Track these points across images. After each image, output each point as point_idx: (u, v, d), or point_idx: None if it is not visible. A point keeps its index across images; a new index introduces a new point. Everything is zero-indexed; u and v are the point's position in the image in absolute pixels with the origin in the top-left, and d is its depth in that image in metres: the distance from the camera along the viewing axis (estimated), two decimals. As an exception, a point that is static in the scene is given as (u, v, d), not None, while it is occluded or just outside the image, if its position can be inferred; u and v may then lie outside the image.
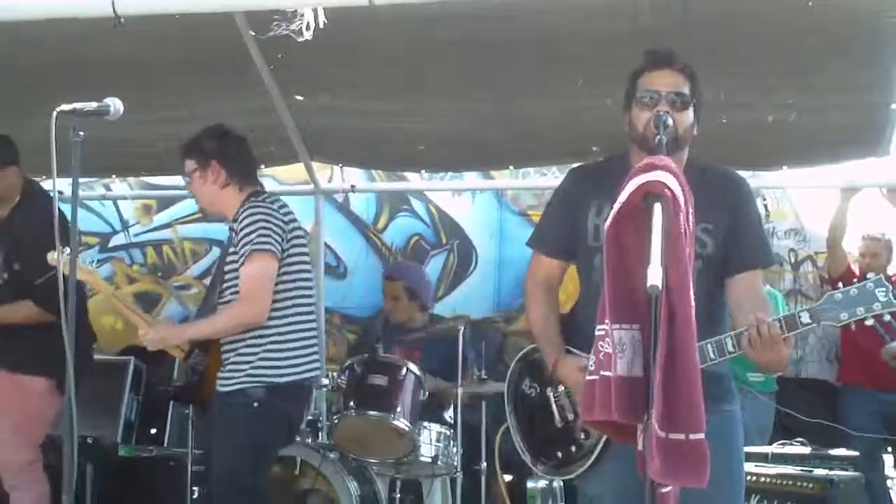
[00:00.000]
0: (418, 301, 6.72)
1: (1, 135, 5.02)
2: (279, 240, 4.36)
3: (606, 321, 2.70)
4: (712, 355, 3.14)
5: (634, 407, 2.64)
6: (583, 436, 3.42)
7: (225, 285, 4.46)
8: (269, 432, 4.43)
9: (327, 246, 8.07)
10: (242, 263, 4.29)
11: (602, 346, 2.72)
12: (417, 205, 8.69)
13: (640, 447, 2.71)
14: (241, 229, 4.32)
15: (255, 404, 4.30)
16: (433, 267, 8.41)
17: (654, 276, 2.41)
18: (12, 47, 5.07)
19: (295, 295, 4.44)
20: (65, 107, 3.18)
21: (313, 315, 4.59)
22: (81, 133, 3.16)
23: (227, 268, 4.43)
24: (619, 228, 2.69)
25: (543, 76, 5.57)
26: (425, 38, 5.15)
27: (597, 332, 2.76)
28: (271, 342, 4.35)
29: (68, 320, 3.09)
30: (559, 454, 3.51)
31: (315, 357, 4.52)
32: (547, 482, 5.99)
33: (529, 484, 6.03)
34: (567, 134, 6.34)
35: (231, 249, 4.42)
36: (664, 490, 2.59)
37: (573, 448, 3.46)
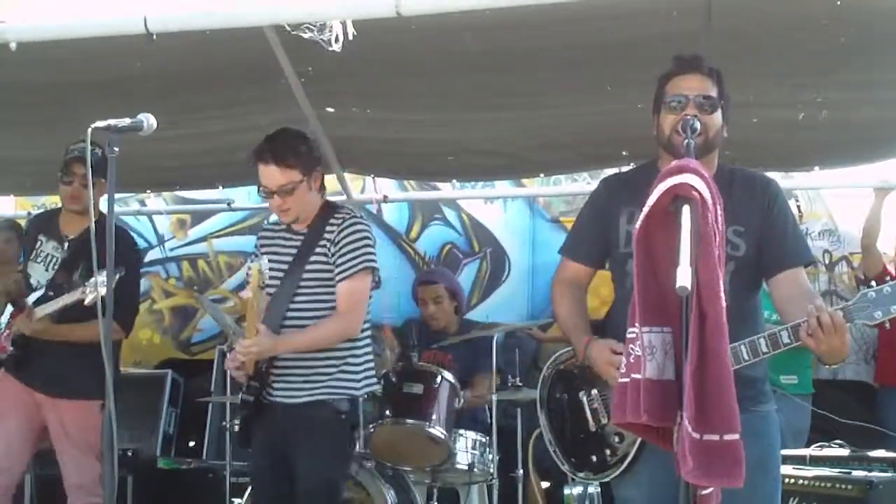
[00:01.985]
0: (457, 303, 6.76)
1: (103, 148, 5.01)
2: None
3: (636, 324, 2.71)
4: (746, 356, 3.14)
5: (666, 409, 2.65)
6: (616, 439, 3.43)
7: (303, 292, 4.36)
8: (352, 443, 4.52)
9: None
10: (347, 277, 4.27)
11: (632, 349, 2.73)
12: (450, 213, 8.71)
13: (675, 449, 2.71)
14: (348, 243, 4.30)
15: (343, 416, 4.31)
16: (466, 275, 8.43)
17: (684, 277, 2.42)
18: (47, 66, 5.13)
19: (369, 309, 4.48)
20: (99, 123, 3.23)
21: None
22: (116, 149, 3.20)
23: (308, 276, 4.34)
24: (648, 231, 2.71)
25: (572, 82, 5.56)
26: (454, 48, 5.16)
27: (627, 336, 2.78)
28: (351, 355, 4.37)
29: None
30: (594, 458, 3.52)
31: (374, 369, 4.55)
32: (583, 488, 5.99)
33: (566, 490, 6.03)
34: (597, 139, 6.34)
35: (320, 259, 4.35)
36: (705, 492, 2.59)
37: (608, 452, 3.47)
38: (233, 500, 5.87)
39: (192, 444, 8.25)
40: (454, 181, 7.84)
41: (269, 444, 4.39)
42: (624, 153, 6.59)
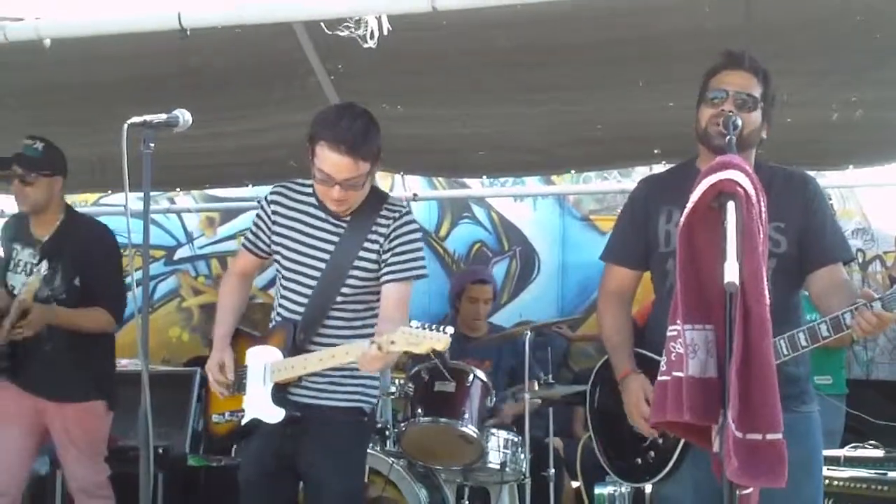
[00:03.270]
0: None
1: (52, 144, 5.00)
2: None
3: (678, 322, 2.68)
4: (785, 351, 3.12)
5: (708, 408, 2.63)
6: (661, 440, 3.40)
7: (348, 290, 3.93)
8: (367, 446, 4.37)
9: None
10: (398, 280, 3.86)
11: (673, 347, 2.71)
12: (479, 211, 8.70)
13: (715, 448, 2.69)
14: (405, 243, 3.90)
15: (365, 419, 4.09)
16: (496, 273, 8.41)
17: (731, 272, 2.40)
18: (79, 65, 5.14)
19: None
20: (135, 119, 3.21)
21: None
22: (152, 145, 3.19)
23: (356, 272, 3.91)
24: (691, 228, 2.68)
25: (604, 78, 5.53)
26: (485, 43, 5.13)
27: (668, 333, 2.75)
28: None
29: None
30: (638, 460, 3.49)
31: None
32: (615, 488, 5.95)
33: (597, 490, 6.00)
34: (629, 137, 6.31)
35: (370, 256, 3.90)
36: (745, 492, 2.56)
37: (652, 453, 3.43)
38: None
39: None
40: (484, 179, 7.83)
41: (274, 448, 3.97)
42: (656, 151, 6.56)
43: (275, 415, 3.88)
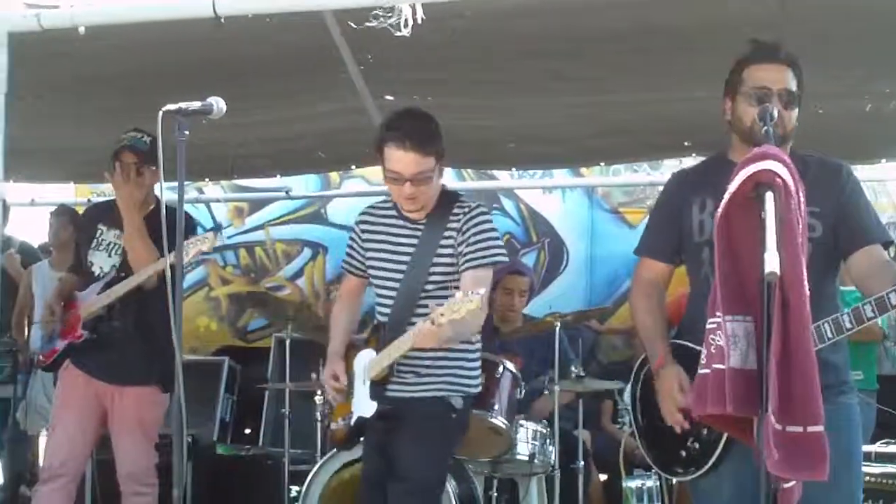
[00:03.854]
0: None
1: (152, 136, 5.00)
2: None
3: (718, 313, 2.67)
4: (829, 334, 3.09)
5: (749, 400, 2.61)
6: (705, 431, 3.35)
7: (431, 288, 4.12)
8: (460, 443, 4.39)
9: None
10: (474, 268, 4.02)
11: (713, 339, 2.69)
12: (508, 203, 8.69)
13: (755, 441, 2.67)
14: (477, 232, 4.06)
15: (454, 414, 4.15)
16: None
17: (772, 262, 2.38)
18: (112, 55, 5.15)
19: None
20: (170, 106, 3.22)
21: None
22: (186, 132, 3.20)
23: (436, 269, 4.09)
24: (729, 219, 2.67)
25: (634, 69, 5.50)
26: (516, 33, 5.12)
27: (708, 326, 2.74)
28: (469, 352, 4.23)
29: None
30: (682, 453, 3.44)
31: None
32: (642, 481, 5.95)
33: (625, 483, 5.99)
34: (658, 128, 6.29)
35: (447, 252, 4.10)
36: (787, 485, 2.54)
37: (697, 444, 3.38)
38: (291, 486, 5.87)
39: (247, 431, 8.29)
40: (512, 171, 7.81)
41: (383, 442, 4.20)
42: (686, 143, 6.54)
43: (370, 409, 4.11)
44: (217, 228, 9.39)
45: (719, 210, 2.69)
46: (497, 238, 4.13)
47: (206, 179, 8.40)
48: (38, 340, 5.39)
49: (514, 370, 5.34)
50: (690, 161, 7.29)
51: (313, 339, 6.16)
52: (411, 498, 4.09)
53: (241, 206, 9.39)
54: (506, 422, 5.19)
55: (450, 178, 8.19)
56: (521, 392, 5.35)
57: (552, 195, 8.50)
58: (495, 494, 5.55)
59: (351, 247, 4.39)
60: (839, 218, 3.35)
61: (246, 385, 8.44)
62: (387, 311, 4.21)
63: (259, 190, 9.01)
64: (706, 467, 3.33)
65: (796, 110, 3.34)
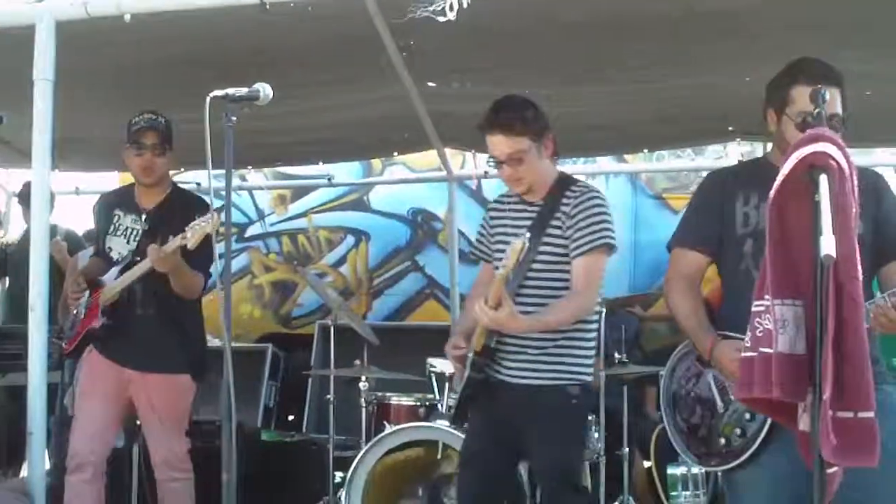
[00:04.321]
0: None
1: (166, 118, 5.05)
2: None
3: (767, 296, 2.63)
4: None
5: (797, 384, 2.58)
6: (748, 416, 3.32)
7: (538, 267, 4.13)
8: (586, 427, 4.40)
9: (460, 232, 8.09)
10: (584, 253, 4.04)
11: (760, 323, 2.66)
12: (550, 190, 8.64)
13: (801, 427, 2.64)
14: (585, 217, 4.06)
15: (574, 401, 4.14)
16: (567, 252, 8.35)
17: (828, 245, 2.34)
18: (157, 45, 5.18)
19: (602, 288, 4.29)
20: (217, 92, 3.23)
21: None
22: (234, 118, 3.20)
23: (544, 249, 4.10)
24: (781, 202, 2.63)
25: (677, 54, 5.46)
26: (558, 19, 5.09)
27: (754, 309, 2.70)
28: (582, 338, 4.19)
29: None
30: (721, 441, 3.41)
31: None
32: (687, 468, 5.92)
33: (670, 470, 5.96)
34: (703, 114, 6.25)
35: (555, 233, 4.11)
36: (830, 471, 2.52)
37: (738, 431, 3.35)
38: (335, 472, 5.89)
39: (291, 417, 8.33)
40: (556, 157, 7.76)
41: (493, 423, 4.23)
42: (730, 128, 6.50)
43: (464, 378, 4.19)
44: (260, 216, 9.45)
45: (771, 193, 2.65)
46: (608, 222, 4.10)
47: (249, 167, 8.43)
48: (67, 326, 5.38)
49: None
50: (734, 146, 7.26)
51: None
52: (558, 485, 4.17)
53: (283, 193, 9.43)
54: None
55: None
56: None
57: (595, 181, 8.43)
58: (540, 481, 5.54)
59: (480, 233, 4.48)
60: (878, 222, 3.34)
61: (289, 372, 8.49)
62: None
63: (301, 177, 9.04)
64: (744, 458, 3.29)
65: (841, 132, 3.26)
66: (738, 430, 3.35)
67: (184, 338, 5.02)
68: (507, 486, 4.46)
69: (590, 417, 5.37)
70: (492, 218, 4.41)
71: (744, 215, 3.43)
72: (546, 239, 4.11)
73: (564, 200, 4.14)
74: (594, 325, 4.27)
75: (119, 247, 5.07)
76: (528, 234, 3.79)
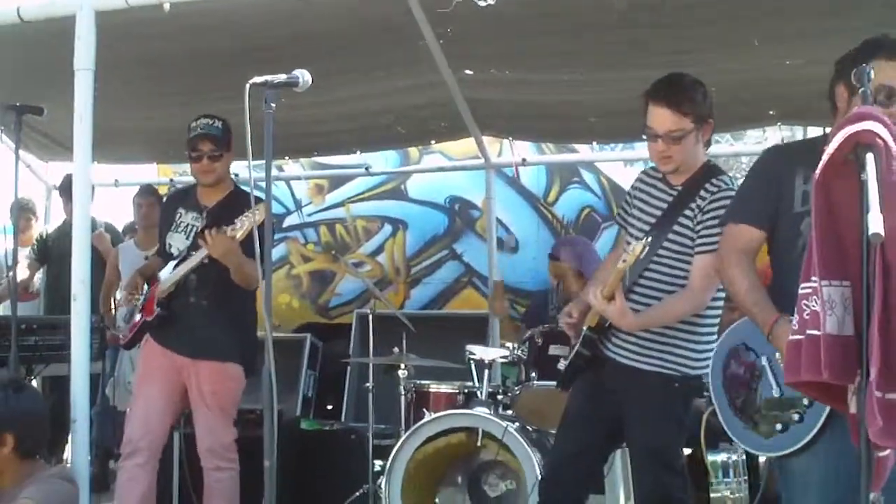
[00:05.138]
0: (584, 279, 6.60)
1: (225, 121, 5.11)
2: None
3: (814, 278, 2.60)
4: None
5: (846, 366, 2.54)
6: (806, 402, 3.25)
7: (663, 254, 4.07)
8: (687, 409, 4.29)
9: (498, 220, 8.08)
10: (708, 252, 3.92)
11: (808, 305, 2.62)
12: (588, 176, 8.62)
13: (851, 410, 2.61)
14: (718, 216, 3.87)
15: (676, 384, 4.11)
16: (605, 239, 8.34)
17: (876, 223, 2.30)
18: (195, 35, 5.19)
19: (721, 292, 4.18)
20: (257, 79, 3.23)
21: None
22: (273, 105, 3.21)
23: (672, 237, 4.03)
24: (827, 181, 2.59)
25: (717, 38, 5.42)
26: (595, 5, 5.07)
27: (801, 291, 2.67)
28: (694, 332, 4.12)
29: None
30: (778, 426, 3.35)
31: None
32: (728, 455, 5.87)
33: (710, 457, 5.92)
34: (743, 98, 6.17)
35: (686, 223, 4.04)
36: (882, 454, 2.48)
37: (796, 416, 3.29)
38: (375, 461, 5.90)
39: (329, 407, 8.35)
40: (593, 144, 7.73)
41: (594, 397, 4.29)
42: (771, 112, 6.43)
43: (574, 349, 4.27)
44: (298, 206, 9.48)
45: (817, 172, 2.62)
46: None
47: (287, 157, 8.46)
48: (121, 319, 5.47)
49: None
50: (775, 130, 7.19)
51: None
52: (651, 464, 4.18)
53: (321, 183, 9.44)
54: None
55: (530, 152, 8.16)
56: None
57: (633, 168, 8.38)
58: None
59: (626, 201, 4.42)
60: None
61: (327, 362, 8.51)
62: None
63: (339, 167, 9.04)
64: (800, 444, 3.23)
65: None
66: (795, 416, 3.28)
67: (236, 328, 5.07)
68: (597, 454, 4.46)
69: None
70: (636, 189, 4.35)
71: (802, 193, 3.33)
72: (675, 228, 4.06)
73: (703, 193, 4.03)
74: (710, 321, 4.18)
75: (178, 243, 5.17)
76: (648, 239, 3.79)
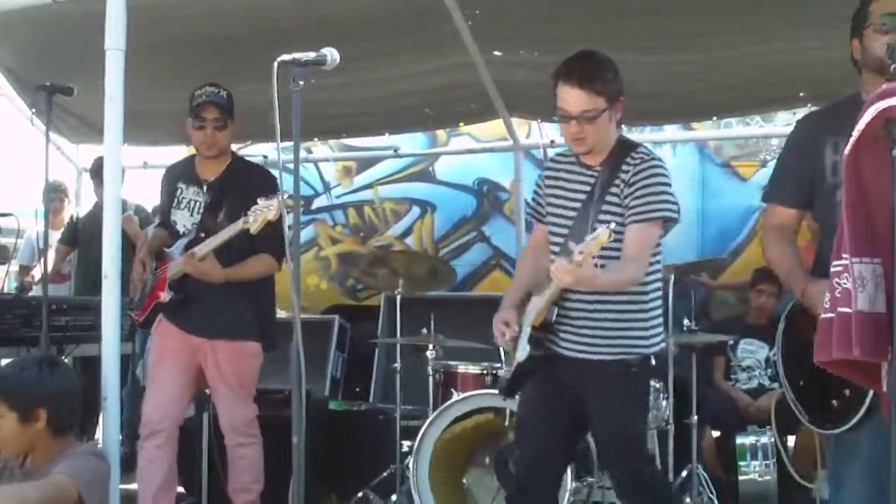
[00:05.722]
0: None
1: (229, 91, 5.07)
2: None
3: (845, 255, 2.58)
4: None
5: (878, 343, 2.53)
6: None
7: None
8: (647, 393, 4.29)
9: (527, 202, 8.04)
10: (639, 222, 3.86)
11: (839, 283, 2.60)
12: (617, 158, 8.58)
13: (885, 388, 2.60)
14: (644, 186, 3.88)
15: (634, 369, 4.03)
16: (634, 220, 8.29)
17: (908, 200, 2.29)
18: (215, 18, 5.21)
19: (657, 261, 4.10)
20: (285, 57, 3.23)
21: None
22: (301, 83, 3.21)
23: (602, 217, 3.90)
24: (858, 158, 2.58)
25: (746, 21, 5.40)
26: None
27: (832, 269, 2.65)
28: (640, 310, 4.05)
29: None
30: (834, 402, 3.31)
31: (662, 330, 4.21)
32: (756, 438, 5.86)
33: (738, 440, 5.92)
34: (771, 80, 6.15)
35: (614, 200, 3.95)
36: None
37: (847, 392, 3.25)
38: (403, 441, 5.92)
39: (357, 388, 8.37)
40: (622, 125, 7.70)
41: (549, 397, 4.14)
42: (801, 94, 6.39)
43: (523, 353, 4.05)
44: (326, 188, 9.49)
45: (847, 148, 2.60)
46: (668, 193, 3.93)
47: (315, 139, 8.47)
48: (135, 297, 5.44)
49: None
50: (804, 112, 7.15)
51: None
52: (620, 452, 4.13)
53: (349, 165, 9.47)
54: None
55: (559, 134, 8.12)
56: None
57: (662, 149, 8.31)
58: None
59: (536, 192, 4.30)
60: None
61: (355, 343, 8.53)
62: (553, 257, 4.02)
63: (367, 149, 9.06)
64: (857, 418, 3.17)
65: None
66: (847, 391, 3.22)
67: (252, 304, 5.05)
68: (565, 451, 4.33)
69: (657, 385, 5.34)
70: (546, 178, 4.23)
71: (833, 164, 3.32)
72: (604, 207, 3.95)
73: (624, 167, 3.95)
74: (651, 297, 4.10)
75: (183, 220, 5.11)
76: (612, 225, 3.58)
